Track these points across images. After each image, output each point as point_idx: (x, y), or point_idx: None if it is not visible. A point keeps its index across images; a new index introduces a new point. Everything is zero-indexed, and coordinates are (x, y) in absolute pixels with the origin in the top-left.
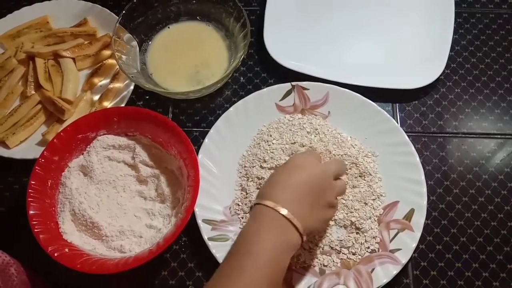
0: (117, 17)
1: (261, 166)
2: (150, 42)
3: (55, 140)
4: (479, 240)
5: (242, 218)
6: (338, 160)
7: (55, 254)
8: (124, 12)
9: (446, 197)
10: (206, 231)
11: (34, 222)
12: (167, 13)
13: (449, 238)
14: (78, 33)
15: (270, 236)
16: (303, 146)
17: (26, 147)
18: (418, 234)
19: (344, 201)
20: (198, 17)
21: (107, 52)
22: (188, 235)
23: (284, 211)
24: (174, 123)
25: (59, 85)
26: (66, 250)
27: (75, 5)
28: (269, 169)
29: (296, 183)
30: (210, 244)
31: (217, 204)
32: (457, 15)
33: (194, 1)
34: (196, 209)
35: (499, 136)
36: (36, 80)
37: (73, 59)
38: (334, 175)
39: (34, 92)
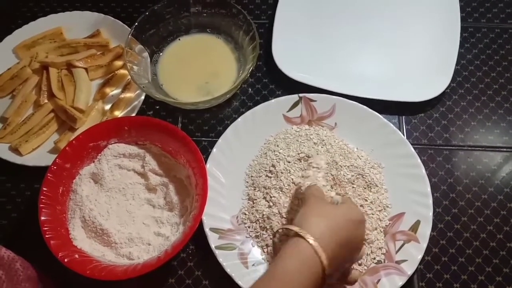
0: (129, 29)
1: (267, 176)
2: (161, 54)
3: (67, 148)
4: (485, 252)
5: (249, 227)
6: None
7: (65, 260)
8: (136, 24)
9: (452, 209)
10: (213, 240)
11: (46, 228)
12: (178, 26)
13: (455, 250)
14: (91, 44)
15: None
16: (309, 157)
17: (38, 154)
18: (424, 245)
19: None
20: (208, 30)
21: (119, 63)
22: (196, 243)
23: (325, 260)
24: (184, 133)
25: (72, 94)
26: (76, 256)
27: (89, 17)
28: (274, 178)
29: (339, 224)
30: (217, 252)
31: (225, 213)
32: (463, 29)
33: (205, 14)
34: (204, 218)
35: (505, 150)
36: (49, 89)
37: (86, 69)
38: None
39: (47, 101)
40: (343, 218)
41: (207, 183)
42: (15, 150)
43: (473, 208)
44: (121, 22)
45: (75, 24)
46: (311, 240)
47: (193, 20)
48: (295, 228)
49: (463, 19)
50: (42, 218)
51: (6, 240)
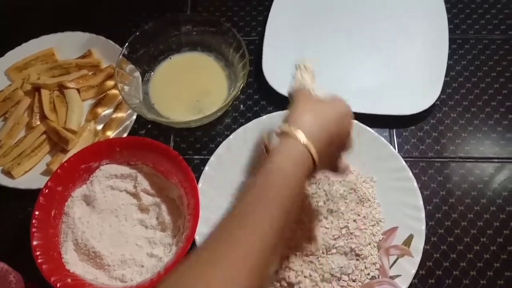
0: (121, 49)
1: None
2: (152, 73)
3: (58, 170)
4: (479, 265)
5: None
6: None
7: (58, 285)
8: (127, 44)
9: (445, 222)
10: None
11: (38, 253)
12: (169, 44)
13: (449, 263)
14: (83, 64)
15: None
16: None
17: (30, 177)
18: (417, 259)
19: (343, 228)
20: (199, 48)
21: (110, 83)
22: None
23: (314, 152)
24: (176, 152)
25: (64, 116)
26: (69, 280)
27: (80, 37)
28: None
29: (329, 121)
30: None
31: None
32: (451, 41)
33: (195, 33)
34: (197, 237)
35: (496, 160)
36: (41, 111)
37: (78, 89)
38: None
39: (39, 123)
40: (331, 111)
41: (199, 203)
42: (8, 173)
43: (466, 220)
44: (112, 42)
45: (67, 44)
46: (301, 136)
47: (183, 39)
48: (285, 127)
49: (451, 31)
50: (34, 242)
51: None
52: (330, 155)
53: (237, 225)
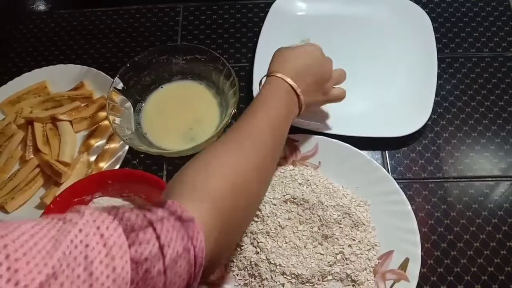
0: (112, 80)
1: (254, 220)
2: (144, 103)
3: (51, 205)
4: (477, 287)
5: (237, 275)
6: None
7: None
8: (118, 76)
9: (441, 244)
10: None
11: None
12: (159, 74)
13: (446, 286)
14: (75, 96)
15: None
16: (295, 199)
17: (24, 211)
18: (414, 284)
19: (339, 253)
20: (189, 76)
21: (103, 113)
22: None
23: (291, 82)
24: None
25: (57, 148)
26: None
27: (72, 70)
28: (261, 222)
29: (306, 68)
30: None
31: None
32: (440, 60)
33: (185, 62)
34: None
35: (490, 179)
36: (34, 144)
37: (70, 121)
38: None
39: (32, 156)
40: (305, 55)
41: None
42: (1, 207)
43: (462, 242)
44: (103, 73)
45: (59, 77)
46: (285, 77)
47: (174, 68)
48: (269, 73)
49: (439, 50)
50: None
51: None
52: (316, 90)
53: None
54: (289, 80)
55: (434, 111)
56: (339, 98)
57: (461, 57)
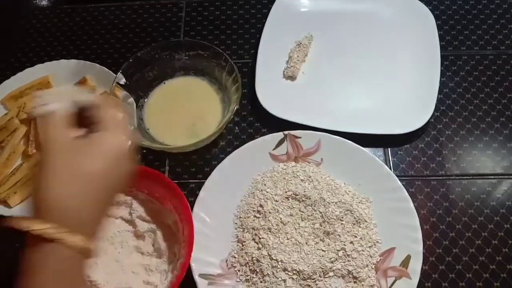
0: (115, 75)
1: (255, 216)
2: (146, 99)
3: None
4: (479, 284)
5: (239, 271)
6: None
7: None
8: (120, 71)
9: (442, 241)
10: (203, 286)
11: None
12: (162, 70)
13: (448, 283)
14: None
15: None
16: (297, 195)
17: (27, 205)
18: (415, 281)
19: (340, 250)
20: (192, 72)
21: None
22: None
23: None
24: (170, 180)
25: None
26: None
27: (75, 65)
28: (262, 218)
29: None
30: None
31: (214, 257)
32: (444, 58)
33: (188, 57)
34: (193, 264)
35: (492, 177)
36: (37, 139)
37: None
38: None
39: (35, 151)
40: (99, 161)
41: (193, 230)
42: (4, 202)
43: (464, 239)
44: (106, 69)
45: (62, 72)
46: (69, 238)
47: (177, 64)
48: (36, 225)
49: (443, 48)
50: None
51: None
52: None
53: None
54: (48, 229)
55: (436, 108)
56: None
57: (464, 55)
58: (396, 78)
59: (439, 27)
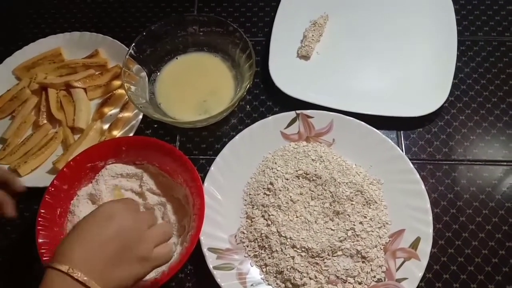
0: (127, 49)
1: (265, 194)
2: (159, 73)
3: (65, 169)
4: (487, 269)
5: (247, 246)
6: (163, 224)
7: None
8: (133, 44)
9: (452, 225)
10: (211, 260)
11: (43, 250)
12: (175, 45)
13: (456, 267)
14: (90, 64)
15: None
16: (307, 174)
17: (37, 175)
18: (424, 263)
19: (350, 230)
20: (205, 48)
21: (117, 82)
22: (194, 263)
23: (77, 274)
24: (181, 152)
25: (72, 114)
26: None
27: (87, 37)
28: (272, 196)
29: (100, 237)
30: (215, 273)
31: (223, 232)
32: (460, 43)
33: (202, 33)
34: (202, 237)
35: (505, 164)
36: (48, 110)
37: (85, 89)
38: (151, 227)
39: (46, 121)
40: (109, 230)
41: (204, 202)
42: (14, 171)
43: (474, 224)
44: (119, 42)
45: (74, 44)
46: (77, 274)
47: (190, 39)
48: (55, 265)
49: (460, 33)
50: (40, 240)
51: (5, 261)
52: (123, 280)
53: None
54: (78, 274)
55: (451, 93)
56: (167, 258)
57: (481, 41)
58: (411, 61)
59: (456, 12)
